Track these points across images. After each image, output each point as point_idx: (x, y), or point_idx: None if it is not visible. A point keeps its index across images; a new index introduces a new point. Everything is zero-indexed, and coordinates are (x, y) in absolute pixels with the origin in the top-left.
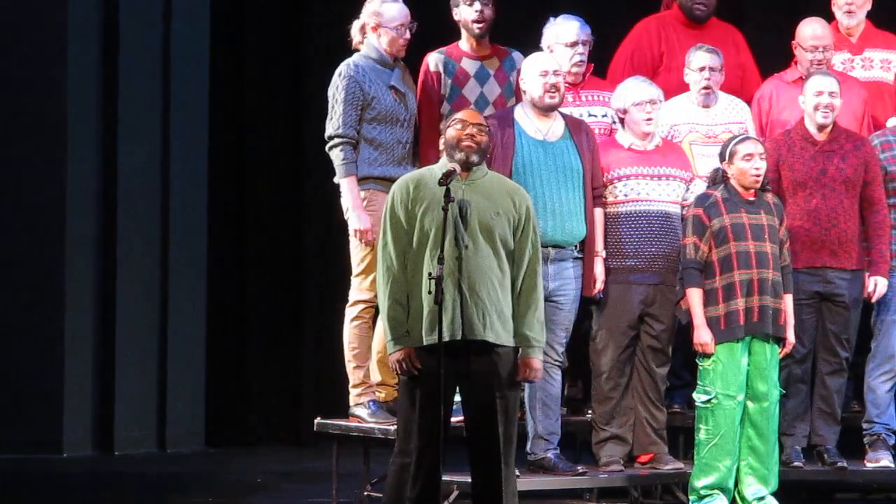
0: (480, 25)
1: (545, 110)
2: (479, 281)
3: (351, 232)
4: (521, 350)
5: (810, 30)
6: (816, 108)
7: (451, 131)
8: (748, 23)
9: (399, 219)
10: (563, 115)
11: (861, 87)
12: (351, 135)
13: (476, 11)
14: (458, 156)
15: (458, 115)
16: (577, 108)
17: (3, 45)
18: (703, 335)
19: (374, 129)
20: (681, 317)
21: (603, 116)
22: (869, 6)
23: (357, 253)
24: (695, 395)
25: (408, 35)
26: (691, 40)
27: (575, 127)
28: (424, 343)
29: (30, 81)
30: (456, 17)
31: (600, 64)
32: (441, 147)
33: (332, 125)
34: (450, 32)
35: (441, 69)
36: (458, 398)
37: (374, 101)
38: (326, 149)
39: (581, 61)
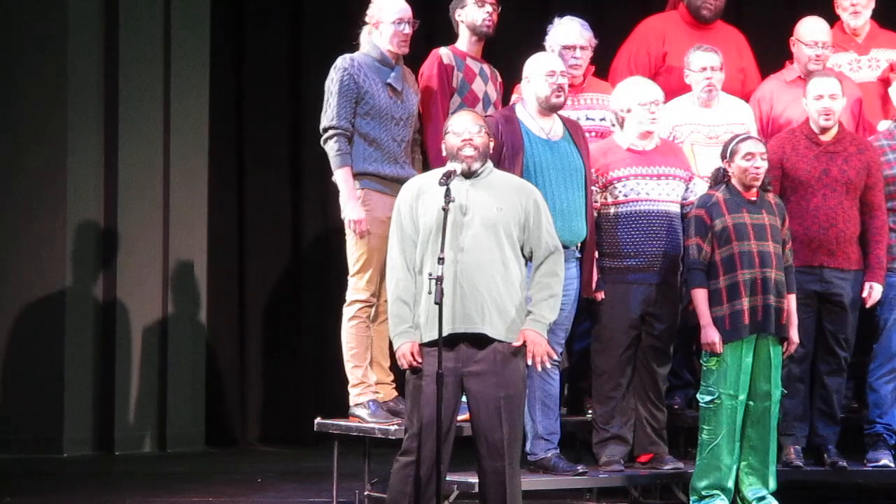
0: (489, 25)
1: (550, 110)
2: (478, 276)
3: (346, 223)
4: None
5: (811, 26)
6: (818, 112)
7: (450, 139)
8: (748, 23)
9: (403, 220)
10: (560, 116)
11: (855, 88)
12: (345, 126)
13: (487, 13)
14: (460, 166)
15: (456, 121)
16: (576, 111)
17: (4, 45)
18: (710, 335)
19: (367, 124)
20: (691, 319)
21: (601, 120)
22: (873, 5)
23: (353, 252)
24: (699, 396)
25: (407, 30)
26: (695, 41)
27: (573, 127)
28: (424, 340)
29: (30, 80)
30: (458, 18)
31: (602, 63)
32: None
33: (327, 117)
34: (449, 33)
35: (453, 63)
36: (464, 398)
37: (368, 95)
38: (321, 142)
39: (576, 65)
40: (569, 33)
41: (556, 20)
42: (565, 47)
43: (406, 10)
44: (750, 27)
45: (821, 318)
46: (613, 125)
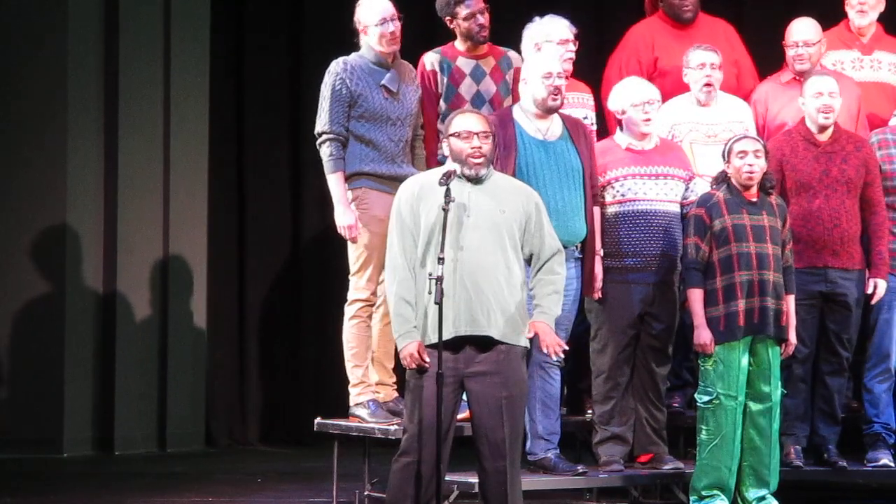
0: (485, 35)
1: (548, 112)
2: (482, 278)
3: (338, 228)
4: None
5: (792, 27)
6: (817, 110)
7: (457, 143)
8: (748, 24)
9: (404, 219)
10: (561, 115)
11: (855, 86)
12: (338, 131)
13: (479, 25)
14: (468, 172)
15: (462, 124)
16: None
17: (3, 45)
18: (702, 335)
19: (362, 126)
20: (687, 318)
21: (584, 119)
22: (882, 7)
23: (354, 252)
24: (697, 396)
25: (392, 28)
26: (683, 41)
27: (573, 126)
28: (428, 342)
29: (30, 80)
30: (452, 26)
31: (595, 67)
32: (440, 147)
33: (321, 122)
34: (448, 31)
35: (437, 68)
36: (464, 397)
37: (361, 98)
38: (317, 145)
39: (571, 59)
40: (560, 29)
41: (537, 19)
42: (560, 42)
43: (387, 10)
44: (750, 28)
45: (824, 318)
46: (593, 124)
